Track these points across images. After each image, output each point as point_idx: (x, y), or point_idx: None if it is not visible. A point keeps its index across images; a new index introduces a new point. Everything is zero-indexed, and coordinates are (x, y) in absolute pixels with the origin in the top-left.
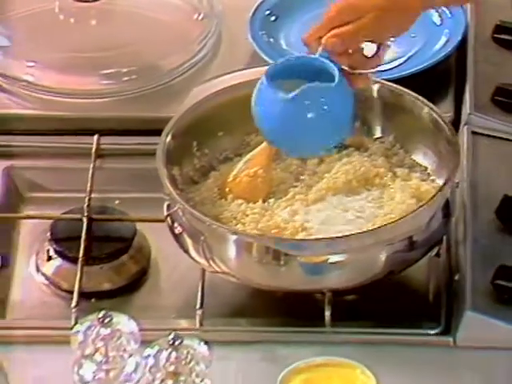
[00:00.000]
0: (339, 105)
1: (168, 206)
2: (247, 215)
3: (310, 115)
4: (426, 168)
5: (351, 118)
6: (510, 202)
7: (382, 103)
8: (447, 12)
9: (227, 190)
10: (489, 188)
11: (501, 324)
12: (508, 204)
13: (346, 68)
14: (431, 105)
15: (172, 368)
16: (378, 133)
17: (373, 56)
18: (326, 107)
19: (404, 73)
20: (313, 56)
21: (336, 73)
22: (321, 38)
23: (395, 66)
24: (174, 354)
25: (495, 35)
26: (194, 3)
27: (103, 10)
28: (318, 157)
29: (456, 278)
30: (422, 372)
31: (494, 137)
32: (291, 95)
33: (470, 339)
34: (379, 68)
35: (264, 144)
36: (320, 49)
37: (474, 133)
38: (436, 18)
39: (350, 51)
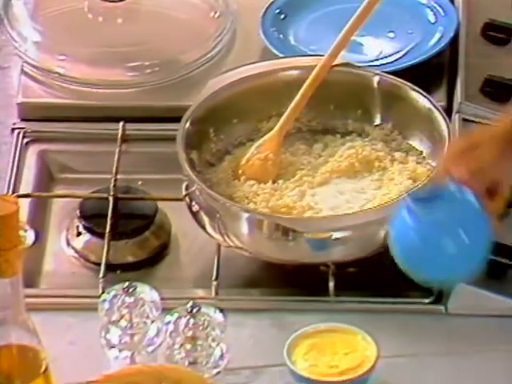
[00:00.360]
0: (482, 233)
1: (186, 187)
2: (258, 195)
3: (452, 239)
4: (421, 152)
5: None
6: None
7: (382, 93)
8: (441, 11)
9: (240, 171)
10: None
11: (487, 294)
12: None
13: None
14: (426, 94)
15: (190, 333)
16: (377, 120)
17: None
18: (474, 231)
19: (402, 65)
20: (450, 185)
21: (474, 199)
22: (446, 172)
23: (395, 60)
24: (192, 321)
25: (484, 32)
26: (211, 2)
27: (128, 9)
28: (322, 142)
29: None
30: (417, 337)
31: (483, 124)
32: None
33: (459, 307)
34: (377, 62)
35: (274, 130)
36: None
37: (464, 120)
38: (431, 17)
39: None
